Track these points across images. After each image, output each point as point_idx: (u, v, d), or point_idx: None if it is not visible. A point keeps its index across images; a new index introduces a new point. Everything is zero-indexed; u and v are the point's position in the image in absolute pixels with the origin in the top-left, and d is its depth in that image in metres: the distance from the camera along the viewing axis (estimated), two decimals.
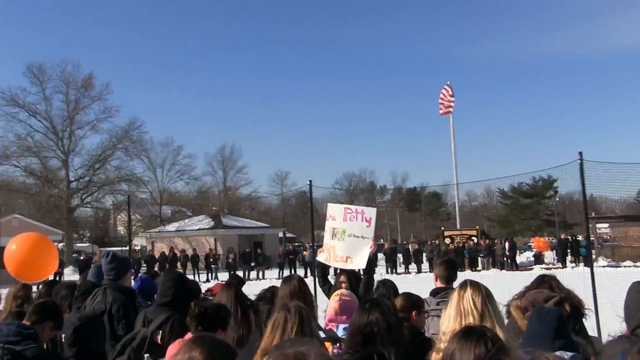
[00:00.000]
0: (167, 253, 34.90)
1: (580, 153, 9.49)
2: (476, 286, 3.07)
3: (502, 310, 3.53)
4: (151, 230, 47.76)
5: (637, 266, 29.20)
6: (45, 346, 4.29)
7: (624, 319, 3.17)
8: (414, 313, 4.15)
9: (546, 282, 4.17)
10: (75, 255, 38.25)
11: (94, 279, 5.87)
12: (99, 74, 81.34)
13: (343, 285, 5.40)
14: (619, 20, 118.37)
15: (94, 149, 52.72)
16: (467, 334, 2.32)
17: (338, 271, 6.00)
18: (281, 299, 4.33)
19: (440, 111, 45.18)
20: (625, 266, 29.19)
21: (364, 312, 3.04)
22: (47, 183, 50.72)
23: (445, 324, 3.02)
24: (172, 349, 3.35)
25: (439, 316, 3.69)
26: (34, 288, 7.69)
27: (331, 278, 6.34)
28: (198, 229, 43.14)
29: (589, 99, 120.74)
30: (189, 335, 3.34)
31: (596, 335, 6.92)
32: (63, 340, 4.02)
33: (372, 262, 5.89)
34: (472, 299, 3.00)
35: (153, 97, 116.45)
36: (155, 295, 4.67)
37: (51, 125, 50.15)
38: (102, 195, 55.04)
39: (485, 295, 3.02)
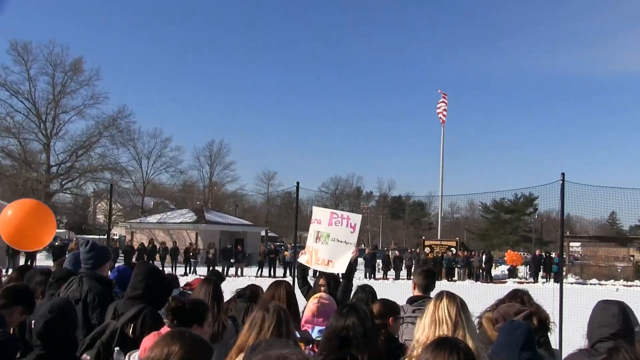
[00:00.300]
0: (146, 244, 34.65)
1: (563, 174, 9.71)
2: (452, 297, 3.17)
3: (475, 321, 3.62)
4: (132, 221, 47.31)
5: (602, 284, 30.44)
6: (12, 330, 4.23)
7: (587, 334, 3.32)
8: (390, 319, 4.22)
9: (519, 296, 4.32)
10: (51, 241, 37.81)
11: (70, 267, 5.83)
12: (89, 60, 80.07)
13: (322, 288, 5.45)
14: (615, 47, 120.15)
15: (79, 135, 51.65)
16: (440, 344, 2.39)
17: (317, 274, 6.04)
18: (264, 301, 4.35)
19: (440, 117, 45.12)
20: (591, 284, 30.35)
21: (342, 316, 3.10)
22: (26, 166, 49.43)
23: (420, 332, 3.10)
24: (148, 341, 3.36)
25: (413, 323, 3.76)
26: (4, 272, 7.51)
27: (310, 280, 6.40)
28: (180, 222, 42.92)
29: (575, 119, 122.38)
30: (165, 329, 3.35)
31: (558, 348, 7.14)
32: (32, 326, 3.95)
33: (352, 267, 5.96)
34: (447, 309, 3.09)
35: (144, 88, 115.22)
36: (127, 288, 4.61)
37: (34, 107, 48.68)
38: (83, 182, 54.10)
39: (459, 306, 3.12)
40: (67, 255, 6.38)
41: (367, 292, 5.26)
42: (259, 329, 3.08)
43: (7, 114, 48.36)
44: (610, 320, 3.19)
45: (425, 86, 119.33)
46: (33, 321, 3.96)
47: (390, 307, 4.34)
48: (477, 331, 3.65)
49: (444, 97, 44.91)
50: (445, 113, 44.62)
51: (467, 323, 3.08)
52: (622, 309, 3.27)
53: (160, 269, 5.60)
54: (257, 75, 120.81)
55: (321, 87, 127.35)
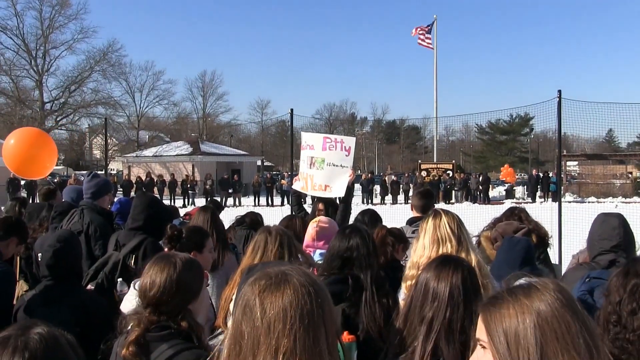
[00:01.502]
0: (143, 178, 34.70)
1: (560, 91, 9.51)
2: (449, 214, 3.13)
3: (473, 240, 3.62)
4: (128, 155, 47.24)
5: (600, 202, 30.53)
6: (18, 262, 4.28)
7: (587, 247, 3.32)
8: (400, 247, 4.22)
9: (516, 214, 4.31)
10: (49, 177, 37.82)
11: (69, 199, 5.85)
12: None
13: (320, 213, 5.47)
14: None
15: (70, 70, 51.32)
16: (443, 262, 2.30)
17: (315, 199, 6.06)
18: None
19: (421, 42, 44.10)
20: (589, 202, 30.40)
21: (345, 237, 3.09)
22: (20, 103, 49.25)
23: (419, 252, 3.04)
24: None
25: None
26: (2, 209, 7.55)
27: (308, 207, 6.43)
28: (176, 155, 42.85)
29: (573, 36, 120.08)
30: None
31: (557, 263, 7.32)
32: (39, 259, 4.01)
33: (350, 191, 5.96)
34: (449, 225, 3.03)
35: (133, 21, 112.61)
36: (128, 219, 4.61)
37: (23, 43, 48.22)
38: (77, 118, 53.90)
39: (459, 221, 3.09)
40: (66, 188, 6.40)
41: (370, 215, 5.24)
42: (262, 251, 3.10)
43: None
44: (611, 233, 3.19)
45: (418, 9, 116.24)
46: (39, 254, 4.01)
47: (401, 235, 4.34)
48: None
49: (422, 30, 43.51)
50: (429, 40, 43.46)
51: (468, 238, 3.06)
52: (622, 221, 3.26)
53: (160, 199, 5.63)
54: (246, 3, 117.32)
55: (312, 12, 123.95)
